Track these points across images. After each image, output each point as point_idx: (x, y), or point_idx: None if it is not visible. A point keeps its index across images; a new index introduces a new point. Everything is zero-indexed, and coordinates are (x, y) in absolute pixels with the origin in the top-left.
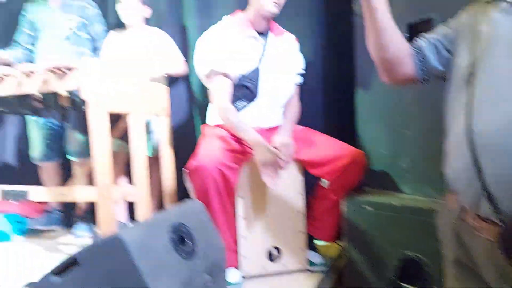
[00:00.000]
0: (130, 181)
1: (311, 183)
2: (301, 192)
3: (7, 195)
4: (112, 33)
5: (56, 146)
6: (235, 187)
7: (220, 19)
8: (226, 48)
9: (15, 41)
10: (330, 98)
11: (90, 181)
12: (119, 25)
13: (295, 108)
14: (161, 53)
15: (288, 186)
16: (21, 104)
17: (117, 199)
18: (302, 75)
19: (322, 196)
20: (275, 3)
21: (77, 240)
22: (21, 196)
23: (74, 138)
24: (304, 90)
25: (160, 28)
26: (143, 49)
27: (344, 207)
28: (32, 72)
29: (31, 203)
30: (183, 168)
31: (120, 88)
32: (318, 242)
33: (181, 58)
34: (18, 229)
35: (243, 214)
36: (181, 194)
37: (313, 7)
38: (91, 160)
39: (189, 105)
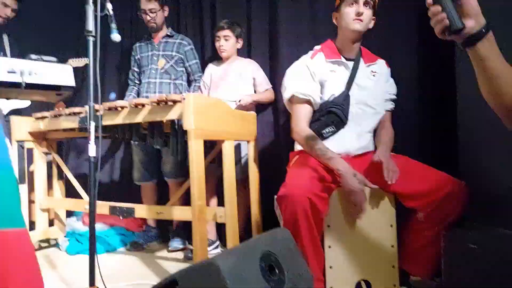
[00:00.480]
0: (219, 203)
1: (405, 215)
2: (393, 224)
3: (115, 211)
4: (210, 65)
5: (154, 168)
6: (324, 216)
7: (311, 49)
8: (311, 75)
9: (129, 79)
10: (427, 123)
11: (184, 200)
12: (215, 57)
13: (389, 135)
14: (251, 81)
15: (379, 217)
16: (131, 132)
17: (209, 219)
18: (395, 100)
19: (418, 230)
20: (357, 19)
21: (172, 254)
22: (129, 213)
23: (170, 161)
24: (398, 116)
25: (251, 57)
26: (236, 78)
27: (444, 242)
28: (141, 105)
29: (133, 218)
30: (275, 196)
31: (215, 118)
32: (414, 279)
33: (269, 86)
34: (122, 241)
35: (332, 244)
36: (267, 217)
37: (410, 31)
38: (185, 181)
39: (276, 131)
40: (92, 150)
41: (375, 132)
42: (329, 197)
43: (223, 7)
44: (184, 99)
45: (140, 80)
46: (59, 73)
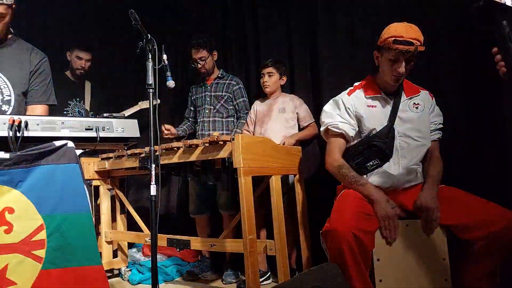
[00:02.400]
0: (268, 234)
1: (459, 248)
2: (446, 257)
3: (172, 243)
4: (255, 102)
5: (209, 201)
6: (371, 250)
7: (352, 81)
8: (346, 110)
9: (185, 117)
10: (478, 152)
11: (237, 231)
12: (261, 94)
13: (437, 166)
14: (295, 116)
15: (431, 250)
16: (185, 169)
17: (259, 252)
18: (442, 129)
19: (473, 263)
20: (395, 76)
21: (226, 285)
22: (185, 245)
23: (223, 195)
24: (446, 145)
25: (294, 93)
26: (280, 114)
27: (501, 277)
28: (194, 145)
29: (189, 249)
30: (320, 231)
31: (262, 155)
32: None
33: (313, 120)
34: (178, 271)
35: (382, 278)
36: (316, 250)
37: (456, 59)
38: (237, 213)
39: (322, 163)
40: (153, 190)
41: (423, 163)
42: (375, 231)
43: (266, 47)
44: (233, 139)
45: (194, 117)
46: (127, 127)
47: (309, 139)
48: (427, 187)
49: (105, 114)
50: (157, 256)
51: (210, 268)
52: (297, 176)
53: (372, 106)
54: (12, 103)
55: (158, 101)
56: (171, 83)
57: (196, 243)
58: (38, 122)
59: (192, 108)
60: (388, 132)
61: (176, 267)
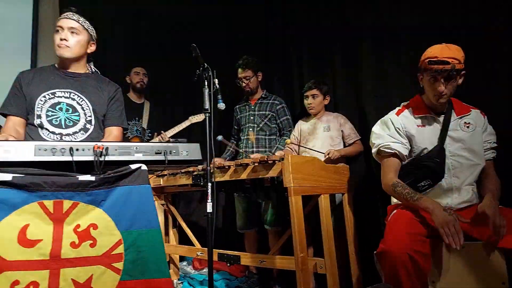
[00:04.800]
0: (315, 252)
1: None
2: (506, 281)
3: (223, 258)
4: (299, 122)
5: (256, 217)
6: (427, 272)
7: (396, 101)
8: (396, 130)
9: (231, 135)
10: None
11: (282, 248)
12: (304, 113)
13: (496, 183)
14: (340, 134)
15: (489, 274)
16: (236, 186)
17: (310, 270)
18: (496, 148)
19: None
20: (436, 95)
21: None
22: (235, 260)
23: (269, 211)
24: (501, 165)
25: (338, 111)
26: (325, 132)
27: None
28: (245, 164)
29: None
30: (374, 252)
31: (311, 174)
32: None
33: (358, 137)
34: (227, 285)
35: None
36: (365, 268)
37: (504, 78)
38: (282, 229)
39: (370, 181)
40: (209, 207)
41: (478, 184)
42: (430, 253)
43: (309, 67)
44: (283, 159)
45: (238, 136)
46: (190, 151)
47: (355, 156)
48: (488, 198)
49: (171, 139)
50: (206, 270)
51: (258, 283)
52: (346, 194)
53: (422, 126)
54: (93, 123)
55: (203, 116)
56: (222, 106)
57: (246, 258)
58: (116, 148)
59: (236, 127)
60: (439, 152)
61: (225, 282)
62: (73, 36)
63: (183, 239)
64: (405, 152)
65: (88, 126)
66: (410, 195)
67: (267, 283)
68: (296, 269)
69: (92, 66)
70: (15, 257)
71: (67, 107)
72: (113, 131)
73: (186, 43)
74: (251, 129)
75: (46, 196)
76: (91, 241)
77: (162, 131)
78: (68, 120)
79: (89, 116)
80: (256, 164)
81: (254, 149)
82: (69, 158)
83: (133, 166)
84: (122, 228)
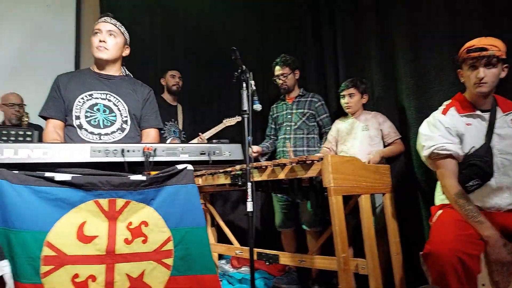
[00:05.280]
0: (355, 253)
1: None
2: None
3: (261, 257)
4: (336, 121)
5: (294, 216)
6: (476, 275)
7: (436, 99)
8: (446, 129)
9: (266, 135)
10: None
11: (320, 248)
12: (340, 112)
13: None
14: (379, 133)
15: None
16: (274, 186)
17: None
18: None
19: None
20: (476, 84)
21: None
22: (274, 259)
23: (307, 211)
24: None
25: (377, 110)
26: (363, 132)
27: None
28: (283, 164)
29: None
30: (420, 253)
31: (351, 174)
32: None
33: (398, 136)
34: (265, 284)
35: None
36: (408, 270)
37: None
38: (320, 229)
39: (412, 181)
40: (250, 206)
41: None
42: (480, 254)
43: (346, 66)
44: (322, 159)
45: (275, 135)
46: (232, 151)
47: (395, 156)
48: None
49: (214, 141)
50: (246, 268)
51: (297, 282)
52: (387, 195)
53: (469, 124)
54: (129, 123)
55: (239, 118)
56: (258, 107)
57: (284, 258)
58: (164, 149)
59: (273, 126)
60: (487, 150)
61: (263, 280)
62: (110, 38)
63: (221, 238)
64: (460, 152)
65: (124, 126)
66: (473, 214)
67: (305, 282)
68: (338, 270)
69: (126, 69)
70: (74, 252)
71: (104, 108)
72: (151, 133)
73: (216, 46)
74: (288, 128)
75: (101, 195)
76: (143, 238)
77: (200, 133)
78: (106, 121)
79: (125, 117)
80: (294, 164)
81: (292, 149)
82: (121, 159)
83: (180, 167)
84: (171, 225)
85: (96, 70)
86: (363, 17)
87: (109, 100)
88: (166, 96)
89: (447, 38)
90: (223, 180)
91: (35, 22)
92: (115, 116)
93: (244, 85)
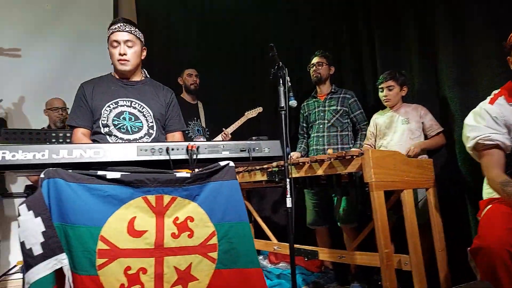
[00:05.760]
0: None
1: None
2: None
3: (300, 252)
4: (375, 115)
5: (327, 213)
6: None
7: (484, 89)
8: (493, 119)
9: (299, 133)
10: None
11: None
12: (379, 106)
13: None
14: (420, 126)
15: None
16: (311, 182)
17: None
18: None
19: None
20: None
21: None
22: (312, 255)
23: (343, 208)
24: None
25: (417, 103)
26: (403, 125)
27: None
28: (321, 160)
29: (313, 260)
30: (468, 249)
31: (393, 168)
32: None
33: (440, 128)
34: (304, 280)
35: None
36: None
37: None
38: (356, 226)
39: (455, 175)
40: (289, 202)
41: None
42: None
43: (384, 57)
44: (362, 154)
45: (308, 134)
46: (272, 147)
47: (437, 148)
48: None
49: (253, 138)
50: (283, 264)
51: (335, 280)
52: (430, 189)
53: None
54: (155, 128)
55: (261, 109)
56: (294, 103)
57: (324, 253)
58: (206, 147)
59: (304, 125)
60: None
61: (301, 276)
62: (130, 49)
63: (258, 234)
64: (508, 142)
65: (151, 131)
66: None
67: (344, 279)
68: (381, 265)
69: (146, 72)
70: (126, 246)
71: (130, 116)
72: (176, 136)
73: (235, 42)
74: (321, 126)
75: (149, 192)
76: (189, 232)
77: (224, 129)
78: (133, 127)
79: (150, 122)
80: (333, 160)
81: (325, 147)
82: (165, 157)
83: (222, 163)
84: (215, 220)
85: (119, 77)
86: (402, 6)
87: (134, 108)
88: (185, 96)
89: (493, 24)
90: (259, 177)
91: (77, 29)
92: (141, 122)
93: (281, 81)
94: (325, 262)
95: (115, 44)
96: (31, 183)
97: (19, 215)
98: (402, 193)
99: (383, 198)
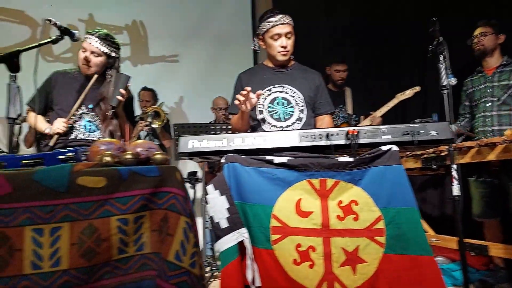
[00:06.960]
0: None
1: None
2: None
3: (467, 247)
4: None
5: (498, 204)
6: None
7: None
8: None
9: (460, 113)
10: None
11: None
12: None
13: None
14: None
15: None
16: (480, 169)
17: None
18: None
19: None
20: None
21: None
22: (481, 250)
23: None
24: None
25: None
26: None
27: None
28: (492, 143)
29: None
30: None
31: None
32: None
33: None
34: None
35: None
36: None
37: None
38: None
39: None
40: (456, 190)
41: None
42: None
43: None
44: None
45: (470, 113)
46: (440, 130)
47: None
48: None
49: (416, 120)
50: (439, 258)
51: (507, 280)
52: None
53: None
54: (305, 112)
55: (418, 88)
56: (453, 80)
57: (496, 249)
58: (365, 131)
59: (467, 103)
60: None
61: (460, 272)
62: (289, 40)
63: None
64: None
65: (301, 115)
66: None
67: None
68: None
69: (292, 56)
70: (295, 225)
71: (283, 101)
72: (325, 119)
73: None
74: (489, 104)
75: (313, 175)
76: (354, 216)
77: (372, 112)
78: (285, 113)
79: (301, 106)
80: (508, 143)
81: (495, 128)
82: (327, 143)
83: (384, 148)
84: (380, 205)
85: (270, 65)
86: None
87: (286, 93)
88: (330, 85)
89: None
90: (412, 164)
91: (220, 31)
92: (293, 107)
93: (442, 58)
94: (494, 259)
95: (276, 37)
96: (194, 171)
97: (207, 193)
98: None
99: None
